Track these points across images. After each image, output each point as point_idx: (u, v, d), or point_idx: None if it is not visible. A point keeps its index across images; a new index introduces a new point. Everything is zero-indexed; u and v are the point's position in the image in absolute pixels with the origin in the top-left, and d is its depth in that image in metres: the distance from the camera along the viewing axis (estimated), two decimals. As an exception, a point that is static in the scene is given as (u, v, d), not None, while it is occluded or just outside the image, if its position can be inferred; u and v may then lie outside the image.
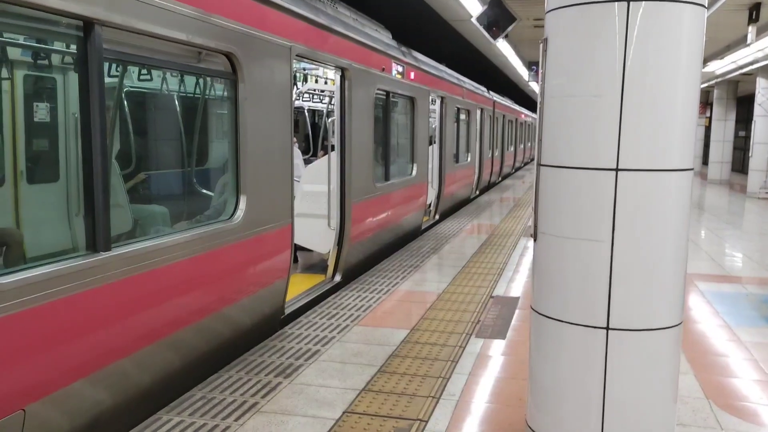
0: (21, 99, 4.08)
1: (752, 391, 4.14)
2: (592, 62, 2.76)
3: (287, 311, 5.55)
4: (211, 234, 4.26)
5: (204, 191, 5.37)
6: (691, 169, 2.86)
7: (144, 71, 5.12)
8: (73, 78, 3.52)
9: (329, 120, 6.88)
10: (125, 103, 5.00)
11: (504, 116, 20.97)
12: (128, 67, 4.79)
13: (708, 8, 2.83)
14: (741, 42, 14.22)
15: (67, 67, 4.19)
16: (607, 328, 2.82)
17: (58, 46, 4.09)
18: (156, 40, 3.79)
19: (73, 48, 3.46)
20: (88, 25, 3.21)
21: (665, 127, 2.73)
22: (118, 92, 4.76)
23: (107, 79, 4.28)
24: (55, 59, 4.23)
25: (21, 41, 3.85)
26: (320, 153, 12.30)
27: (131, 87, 5.22)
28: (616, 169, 2.74)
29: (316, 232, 6.96)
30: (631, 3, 2.65)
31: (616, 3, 2.66)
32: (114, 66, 4.55)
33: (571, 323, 2.89)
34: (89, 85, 3.26)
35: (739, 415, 3.78)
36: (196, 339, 4.23)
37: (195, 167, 5.48)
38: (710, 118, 25.00)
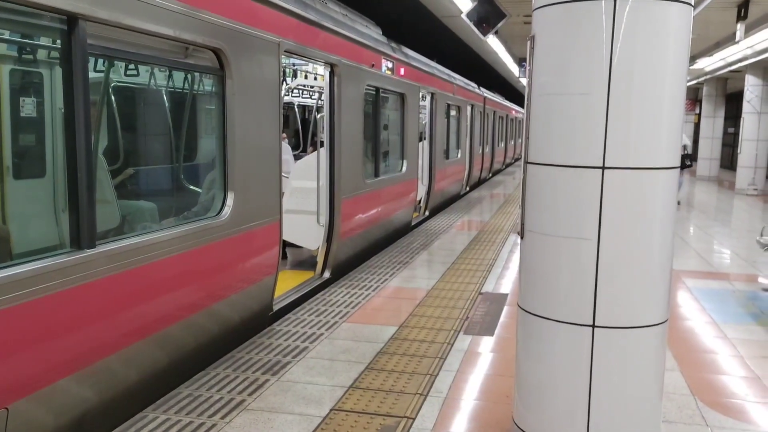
0: (7, 94, 4.04)
1: (738, 388, 4.17)
2: (579, 60, 2.76)
3: (276, 308, 5.54)
4: (198, 230, 4.24)
5: (192, 187, 5.34)
6: (677, 167, 2.87)
7: (131, 66, 5.08)
8: (59, 73, 3.49)
9: (319, 116, 6.86)
10: (112, 98, 4.96)
11: (494, 112, 21.00)
12: (114, 62, 4.76)
13: (695, 7, 2.83)
14: (730, 39, 14.28)
15: (53, 62, 4.15)
16: (593, 326, 2.83)
17: (44, 41, 4.06)
18: (142, 35, 3.76)
19: (58, 43, 3.43)
20: (72, 20, 3.18)
21: (652, 126, 2.74)
22: (105, 87, 4.72)
23: (93, 74, 4.25)
24: (41, 54, 4.19)
25: (6, 36, 3.81)
26: (310, 149, 12.27)
27: (118, 82, 5.19)
28: (603, 168, 2.74)
29: (305, 228, 6.94)
30: (617, 1, 2.65)
31: (603, 1, 2.66)
32: (100, 61, 4.51)
33: (558, 321, 2.90)
34: (74, 81, 3.23)
35: (724, 411, 3.80)
36: (184, 336, 4.21)
37: (183, 163, 5.45)
38: (699, 114, 25.12)
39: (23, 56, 4.12)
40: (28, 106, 4.17)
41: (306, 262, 7.64)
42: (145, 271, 3.75)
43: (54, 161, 4.12)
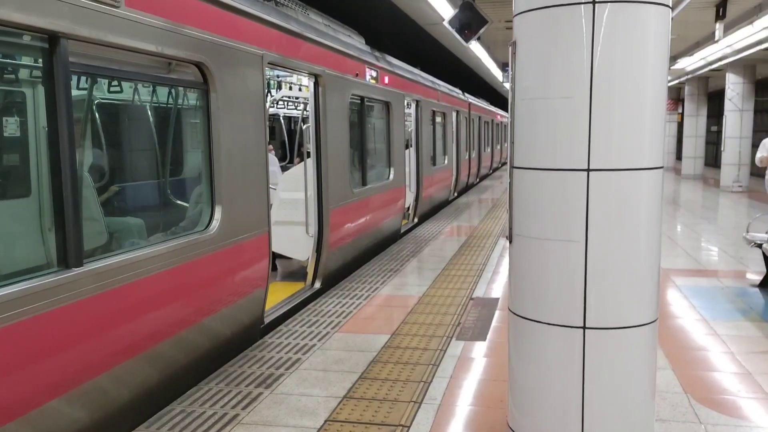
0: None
1: (730, 384, 4.19)
2: (561, 64, 2.78)
3: (267, 320, 5.52)
4: (187, 245, 4.22)
5: (179, 202, 5.32)
6: (661, 167, 2.89)
7: (114, 83, 5.07)
8: (42, 92, 3.48)
9: (304, 126, 6.86)
10: (96, 115, 4.94)
11: (480, 117, 21.08)
12: (98, 79, 4.74)
13: (673, 9, 2.87)
14: (709, 39, 14.44)
15: (36, 81, 4.13)
16: (584, 328, 2.84)
17: (25, 60, 4.04)
18: (124, 51, 3.75)
19: (40, 62, 3.42)
20: (53, 39, 3.17)
21: (634, 127, 2.76)
22: (88, 104, 4.70)
23: (77, 92, 4.22)
24: (23, 73, 4.17)
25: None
26: (296, 160, 12.26)
27: (102, 99, 5.17)
28: (588, 170, 2.76)
29: (294, 239, 6.93)
30: (596, 5, 2.67)
31: (582, 5, 2.69)
32: (84, 78, 4.50)
33: (549, 324, 2.91)
34: (56, 99, 3.22)
35: (717, 408, 3.82)
36: (175, 352, 4.18)
37: (169, 178, 5.43)
38: (682, 114, 25.35)
39: (5, 76, 4.10)
40: (11, 126, 4.15)
41: (296, 273, 7.62)
42: (134, 288, 3.72)
43: (39, 180, 4.10)
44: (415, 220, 11.92)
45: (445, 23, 9.17)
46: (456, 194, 16.58)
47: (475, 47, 15.25)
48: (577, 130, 2.75)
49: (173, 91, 5.30)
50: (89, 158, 4.86)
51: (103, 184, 4.92)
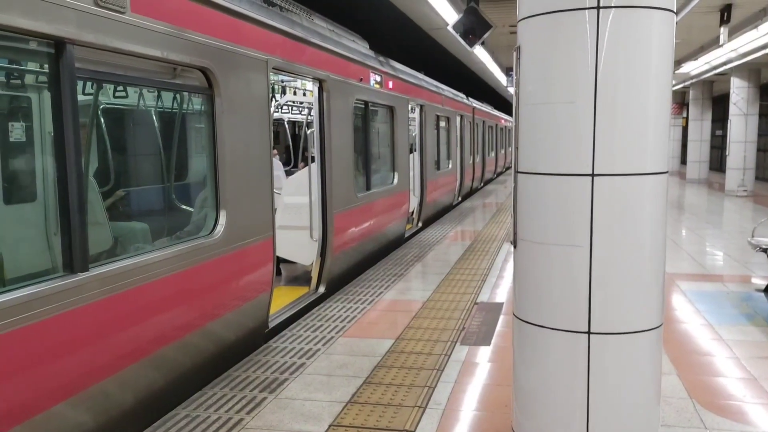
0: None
1: (735, 390, 4.18)
2: (565, 69, 2.78)
3: (271, 325, 5.52)
4: (192, 250, 4.23)
5: (183, 207, 5.34)
6: (666, 172, 2.89)
7: (119, 88, 5.09)
8: (48, 97, 3.50)
9: (309, 131, 6.88)
10: (101, 120, 4.97)
11: (484, 122, 21.09)
12: (103, 85, 4.76)
13: (677, 13, 2.87)
14: (714, 43, 14.43)
15: (42, 86, 4.16)
16: (589, 333, 2.84)
17: (31, 65, 4.06)
18: (130, 57, 3.77)
19: (46, 67, 3.44)
20: (59, 44, 3.19)
21: (638, 132, 2.76)
22: (94, 110, 4.72)
23: (82, 97, 4.24)
24: (29, 79, 4.20)
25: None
26: (301, 164, 12.28)
27: (107, 104, 5.19)
28: (592, 175, 2.76)
29: (298, 244, 6.94)
30: (600, 10, 2.68)
31: (586, 10, 2.69)
32: (89, 84, 4.52)
33: (553, 329, 2.90)
34: (62, 104, 3.23)
35: (722, 413, 3.81)
36: (179, 357, 4.19)
37: (174, 183, 5.44)
38: (687, 118, 25.31)
39: (11, 81, 4.12)
40: (17, 131, 4.17)
41: (300, 278, 7.63)
42: (139, 292, 3.73)
43: (45, 185, 4.11)
44: (420, 224, 11.93)
45: (449, 28, 9.19)
46: (460, 198, 16.58)
47: (479, 52, 15.28)
48: (581, 135, 2.75)
49: (178, 96, 5.32)
50: (95, 163, 4.88)
51: (109, 188, 4.93)
